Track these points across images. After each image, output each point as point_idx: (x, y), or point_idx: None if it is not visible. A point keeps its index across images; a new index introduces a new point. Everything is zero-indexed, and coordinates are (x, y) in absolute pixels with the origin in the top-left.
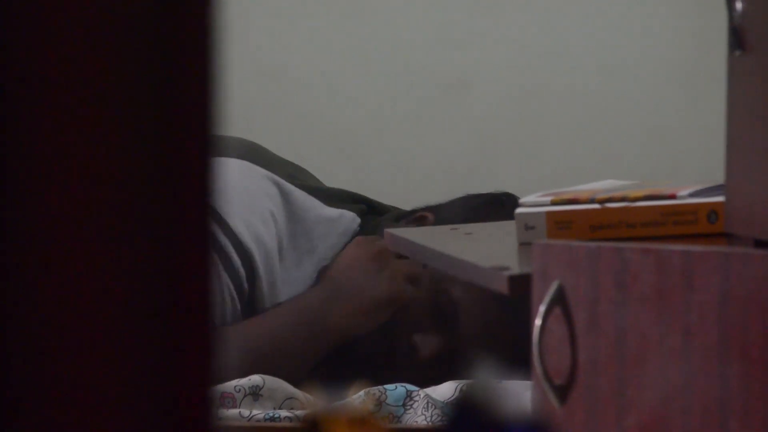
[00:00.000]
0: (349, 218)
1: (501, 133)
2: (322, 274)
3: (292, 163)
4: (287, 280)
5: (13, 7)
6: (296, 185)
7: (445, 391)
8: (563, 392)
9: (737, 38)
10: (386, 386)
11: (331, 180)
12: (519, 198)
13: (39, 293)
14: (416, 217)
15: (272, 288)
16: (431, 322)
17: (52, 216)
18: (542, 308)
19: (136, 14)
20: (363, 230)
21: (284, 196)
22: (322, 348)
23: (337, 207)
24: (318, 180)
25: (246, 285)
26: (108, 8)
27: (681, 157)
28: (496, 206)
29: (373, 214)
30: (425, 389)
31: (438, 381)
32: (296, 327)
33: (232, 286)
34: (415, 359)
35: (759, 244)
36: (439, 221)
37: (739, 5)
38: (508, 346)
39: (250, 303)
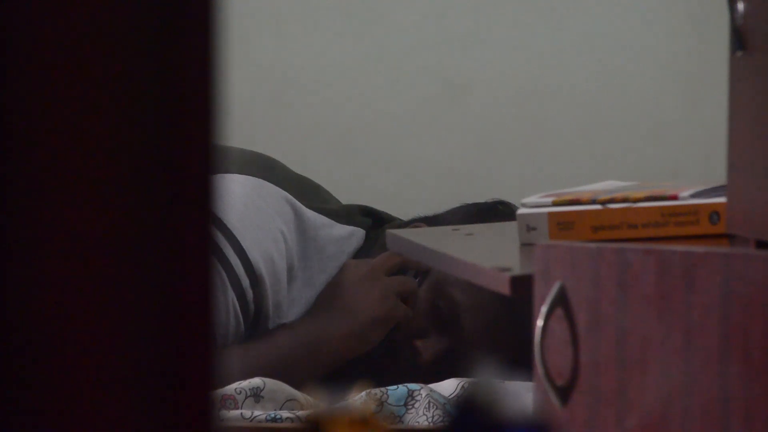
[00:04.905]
0: (359, 236)
1: (502, 135)
2: (318, 298)
3: (304, 177)
4: (298, 299)
5: (14, 7)
6: (308, 204)
7: (448, 387)
8: (565, 393)
9: (739, 39)
10: (388, 386)
11: (330, 182)
12: (514, 205)
13: (41, 298)
14: (410, 228)
15: (277, 309)
16: (432, 327)
17: (52, 222)
18: (544, 309)
19: (138, 19)
20: (366, 245)
21: (297, 216)
22: (318, 373)
23: (347, 223)
24: (325, 191)
25: (252, 306)
26: (109, 13)
27: (682, 158)
28: (492, 215)
29: (377, 227)
30: (428, 385)
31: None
32: (294, 354)
33: (238, 306)
34: (417, 364)
35: (760, 245)
36: None
37: (740, 6)
38: (510, 347)
39: (255, 323)
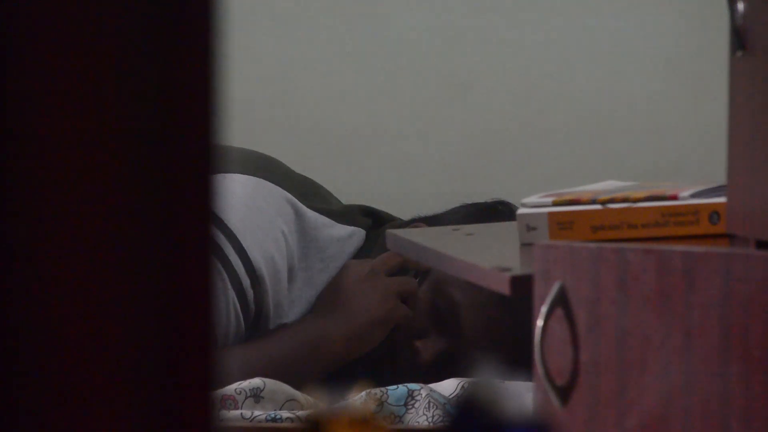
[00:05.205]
0: (360, 236)
1: (502, 135)
2: (319, 298)
3: (305, 177)
4: (299, 299)
5: (14, 7)
6: (309, 204)
7: (448, 387)
8: (565, 393)
9: (739, 39)
10: (388, 386)
11: (330, 182)
12: (514, 205)
13: (41, 298)
14: (410, 228)
15: (278, 309)
16: (432, 327)
17: (52, 221)
18: (544, 309)
19: (138, 19)
20: (366, 245)
21: (298, 216)
22: (318, 373)
23: (348, 223)
24: (326, 191)
25: (253, 305)
26: (109, 12)
27: (682, 158)
28: (492, 215)
29: (377, 227)
30: (428, 385)
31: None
32: (294, 355)
33: (238, 306)
34: (417, 364)
35: (760, 245)
36: None
37: (740, 6)
38: (510, 347)
39: (255, 323)
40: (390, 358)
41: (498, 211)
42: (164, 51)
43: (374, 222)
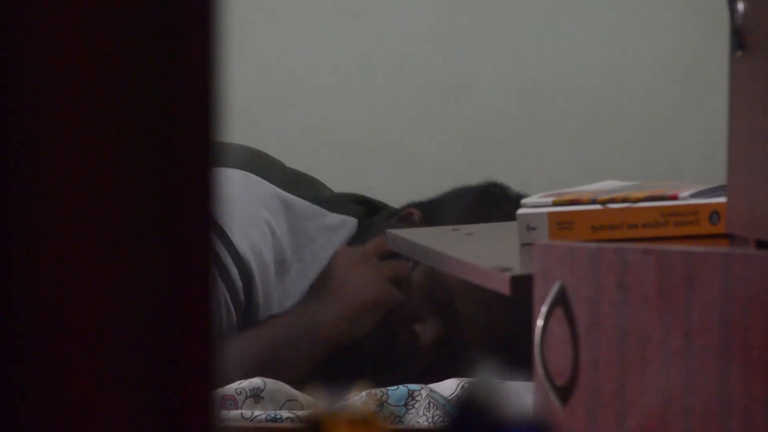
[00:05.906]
0: (351, 225)
1: (502, 134)
2: (311, 287)
3: (294, 170)
4: (293, 291)
5: (14, 7)
6: (299, 193)
7: (448, 387)
8: (565, 393)
9: (739, 39)
10: (388, 386)
11: (331, 181)
12: (508, 187)
13: (40, 298)
14: (402, 215)
15: (267, 300)
16: (429, 310)
17: (51, 220)
18: (544, 309)
19: (137, 17)
20: (359, 233)
21: (287, 208)
22: (315, 357)
23: (339, 212)
24: (320, 183)
25: (242, 296)
26: (109, 12)
27: (682, 158)
28: (485, 196)
29: (371, 215)
30: (428, 385)
31: (440, 372)
32: (288, 339)
33: (228, 297)
34: (417, 349)
35: (760, 245)
36: (429, 217)
37: (740, 6)
38: (504, 328)
39: (246, 315)
40: (389, 344)
41: (491, 193)
42: (164, 50)
43: (367, 210)
